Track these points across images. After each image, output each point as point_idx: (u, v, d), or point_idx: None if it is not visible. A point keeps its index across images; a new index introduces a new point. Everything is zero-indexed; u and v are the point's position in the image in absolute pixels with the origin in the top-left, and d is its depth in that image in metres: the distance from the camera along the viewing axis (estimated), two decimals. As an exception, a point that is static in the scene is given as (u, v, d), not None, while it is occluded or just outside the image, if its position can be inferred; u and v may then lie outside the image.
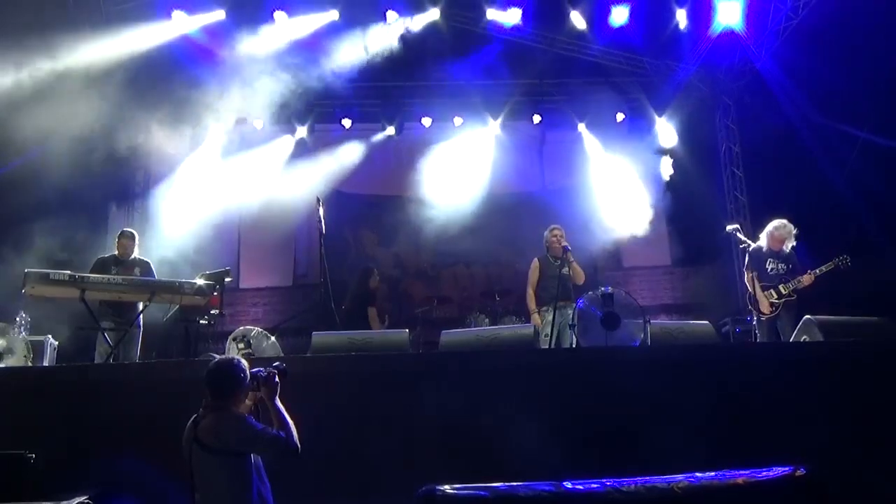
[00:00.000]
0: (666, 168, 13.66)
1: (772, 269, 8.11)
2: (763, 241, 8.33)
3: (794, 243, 8.25)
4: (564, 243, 8.63)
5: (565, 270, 8.53)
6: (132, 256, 8.43)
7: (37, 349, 7.77)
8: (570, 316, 8.22)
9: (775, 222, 8.36)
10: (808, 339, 6.80)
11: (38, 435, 5.29)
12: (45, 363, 7.74)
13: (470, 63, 12.60)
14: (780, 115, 11.51)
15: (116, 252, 8.44)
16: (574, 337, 7.91)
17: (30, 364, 7.44)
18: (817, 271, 7.87)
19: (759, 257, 8.27)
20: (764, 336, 8.07)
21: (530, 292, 8.79)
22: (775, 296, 8.00)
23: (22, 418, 5.51)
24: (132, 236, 8.54)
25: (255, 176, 13.09)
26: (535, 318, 8.53)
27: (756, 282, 8.12)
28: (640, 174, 13.56)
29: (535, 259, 8.96)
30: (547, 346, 7.99)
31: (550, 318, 8.19)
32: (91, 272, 7.76)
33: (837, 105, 10.58)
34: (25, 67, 9.94)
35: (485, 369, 5.97)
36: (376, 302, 9.59)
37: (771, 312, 8.01)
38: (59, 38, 10.41)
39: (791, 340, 7.17)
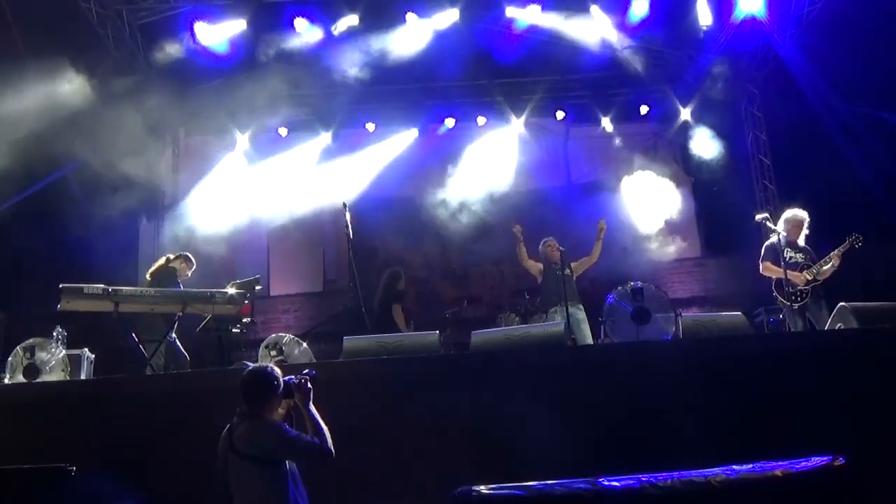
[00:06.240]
0: (693, 158, 13.55)
1: (791, 258, 8.02)
2: (778, 234, 8.22)
3: (807, 232, 8.26)
4: (560, 248, 8.96)
5: (567, 272, 8.82)
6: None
7: (74, 363, 7.84)
8: (578, 315, 8.63)
9: (787, 212, 8.44)
10: (842, 327, 6.70)
11: (78, 447, 5.37)
12: (83, 377, 7.81)
13: (491, 62, 12.59)
14: (805, 101, 11.38)
15: (179, 275, 8.54)
16: (603, 332, 7.90)
17: (68, 378, 7.52)
18: (839, 251, 7.85)
19: (774, 249, 8.19)
20: (796, 325, 7.98)
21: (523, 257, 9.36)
22: (801, 282, 7.92)
23: (63, 431, 5.62)
24: (190, 261, 8.73)
25: (282, 183, 13.18)
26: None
27: (777, 267, 8.06)
28: (666, 166, 13.46)
29: (539, 263, 9.37)
30: None
31: (559, 318, 8.42)
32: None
33: (862, 90, 10.46)
34: (53, 85, 10.08)
35: (516, 368, 5.96)
36: (403, 301, 9.61)
37: (805, 286, 7.91)
38: (86, 54, 10.56)
39: (826, 328, 7.07)
